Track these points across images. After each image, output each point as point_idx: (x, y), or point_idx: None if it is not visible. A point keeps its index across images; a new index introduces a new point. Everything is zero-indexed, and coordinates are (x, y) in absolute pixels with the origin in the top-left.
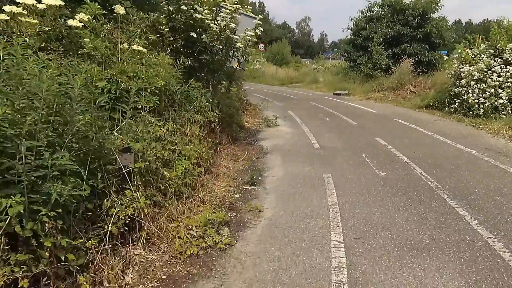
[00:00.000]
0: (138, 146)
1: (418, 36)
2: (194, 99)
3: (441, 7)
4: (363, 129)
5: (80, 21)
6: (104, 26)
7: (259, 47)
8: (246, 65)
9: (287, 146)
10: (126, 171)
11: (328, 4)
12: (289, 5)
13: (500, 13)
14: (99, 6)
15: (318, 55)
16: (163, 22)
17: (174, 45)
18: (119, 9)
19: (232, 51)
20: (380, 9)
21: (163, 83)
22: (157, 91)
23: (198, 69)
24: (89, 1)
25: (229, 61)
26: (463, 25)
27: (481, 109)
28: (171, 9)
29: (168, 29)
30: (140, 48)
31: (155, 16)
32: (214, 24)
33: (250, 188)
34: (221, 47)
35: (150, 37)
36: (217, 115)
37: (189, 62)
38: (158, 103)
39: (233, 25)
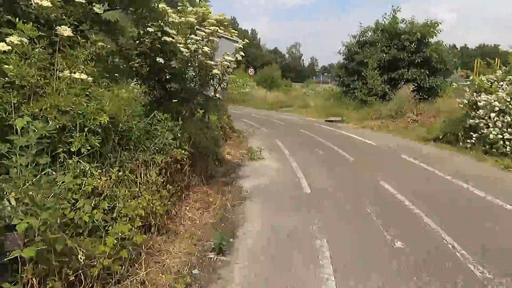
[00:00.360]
0: (24, 225)
1: (417, 61)
2: (158, 135)
3: (440, 31)
4: (363, 167)
5: (8, 44)
6: (36, 50)
7: (249, 71)
8: (235, 89)
9: (271, 188)
10: (9, 260)
11: (318, 30)
12: (280, 32)
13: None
14: (34, 28)
15: (309, 78)
16: (132, 46)
17: (140, 72)
18: (64, 31)
19: (208, 78)
20: (373, 33)
21: (107, 119)
22: (99, 130)
23: (167, 98)
24: (17, 20)
25: (205, 89)
26: (459, 49)
27: (508, 147)
28: (141, 32)
29: (136, 53)
30: (83, 76)
31: (122, 39)
32: (186, 48)
33: (215, 258)
34: (194, 74)
35: (114, 62)
36: (187, 153)
37: (156, 92)
38: (98, 145)
39: (207, 49)
